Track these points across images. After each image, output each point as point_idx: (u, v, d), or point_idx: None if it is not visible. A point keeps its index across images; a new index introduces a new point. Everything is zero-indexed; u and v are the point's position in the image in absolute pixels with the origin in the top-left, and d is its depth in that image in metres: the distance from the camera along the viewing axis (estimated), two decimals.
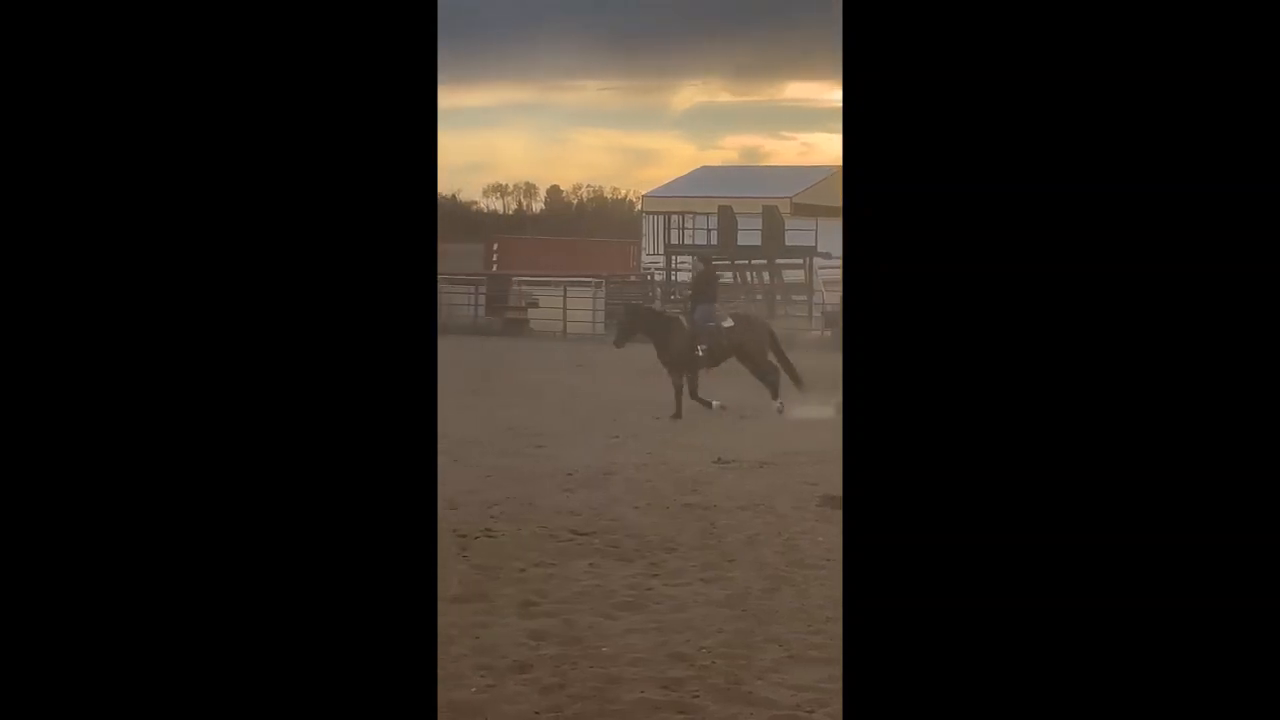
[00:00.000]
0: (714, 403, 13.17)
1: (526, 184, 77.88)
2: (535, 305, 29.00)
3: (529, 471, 9.46)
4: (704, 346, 13.33)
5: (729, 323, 13.82)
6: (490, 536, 7.15)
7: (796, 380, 13.40)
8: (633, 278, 33.87)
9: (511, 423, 12.28)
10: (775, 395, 13.30)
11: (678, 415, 12.87)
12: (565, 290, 28.28)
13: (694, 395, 13.20)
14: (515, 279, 31.23)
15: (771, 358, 13.69)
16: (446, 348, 19.97)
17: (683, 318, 13.93)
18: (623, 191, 77.13)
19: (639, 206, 44.41)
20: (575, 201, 78.73)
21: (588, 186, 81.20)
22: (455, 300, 30.59)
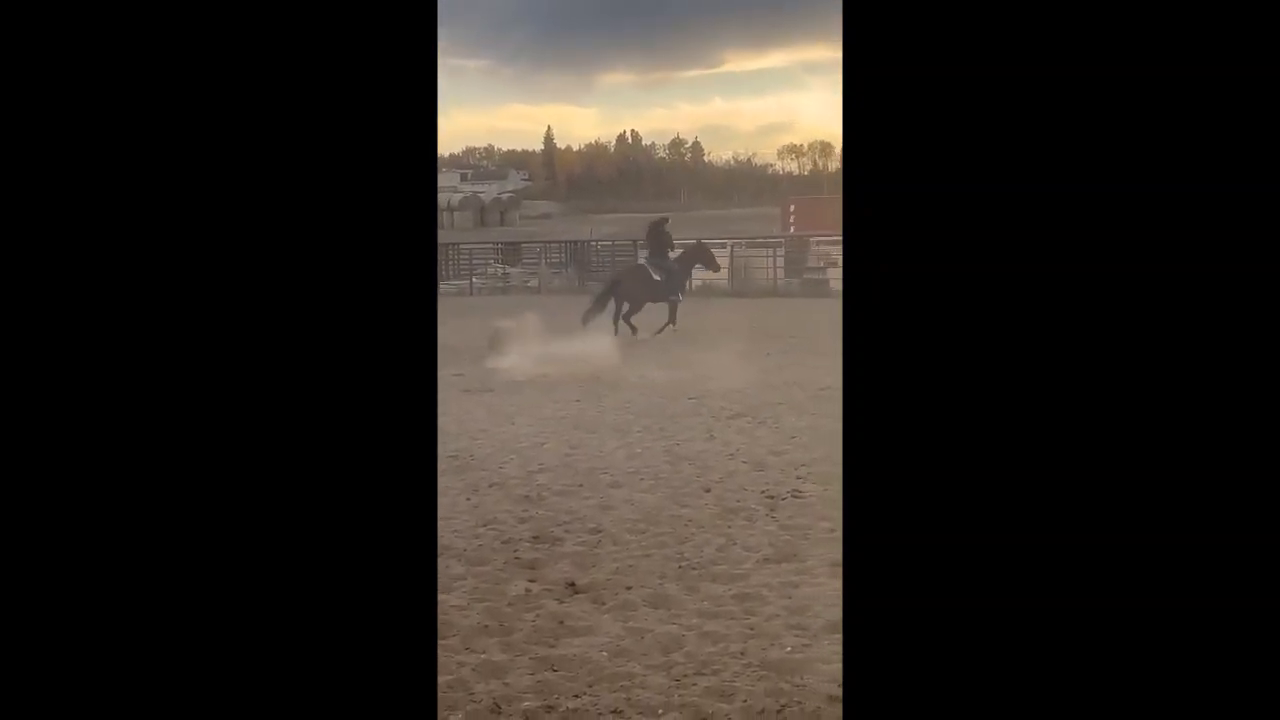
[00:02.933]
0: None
1: (822, 143, 77.25)
2: (835, 265, 28.76)
3: (834, 431, 9.41)
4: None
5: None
6: (798, 497, 7.16)
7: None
8: None
9: (816, 384, 12.24)
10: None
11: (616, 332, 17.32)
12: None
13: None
14: (813, 239, 31.07)
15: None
16: (746, 310, 20.17)
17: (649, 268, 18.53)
18: None
19: None
20: None
21: None
22: (754, 264, 30.72)
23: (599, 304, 18.12)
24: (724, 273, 26.88)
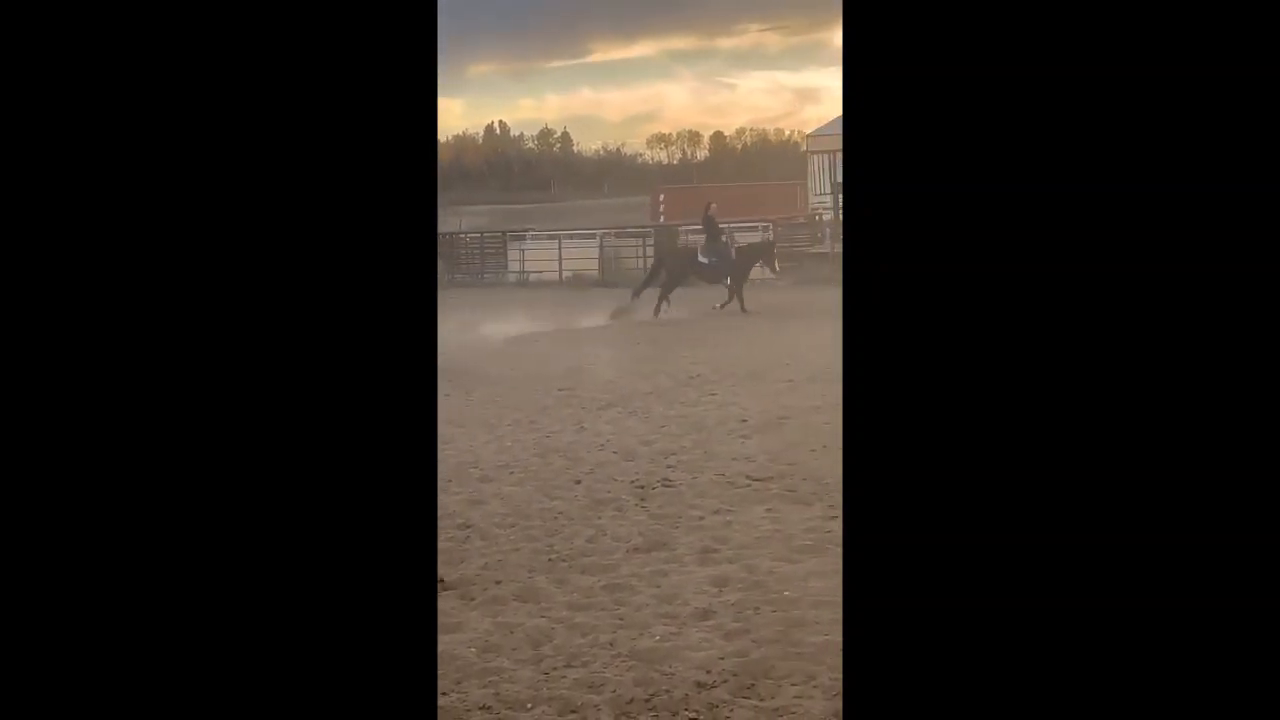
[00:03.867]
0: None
1: (690, 132, 77.71)
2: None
3: (704, 419, 9.48)
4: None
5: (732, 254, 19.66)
6: (668, 486, 7.19)
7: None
8: (800, 219, 33.54)
9: (685, 372, 12.31)
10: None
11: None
12: (733, 236, 28.18)
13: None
14: (683, 228, 31.21)
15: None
16: (617, 301, 20.06)
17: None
18: (787, 132, 76.37)
19: (804, 147, 43.90)
20: (739, 146, 78.28)
21: (751, 130, 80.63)
22: (624, 254, 30.77)
23: (648, 280, 19.73)
24: (595, 264, 26.88)
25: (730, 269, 19.48)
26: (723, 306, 19.04)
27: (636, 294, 19.38)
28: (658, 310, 18.86)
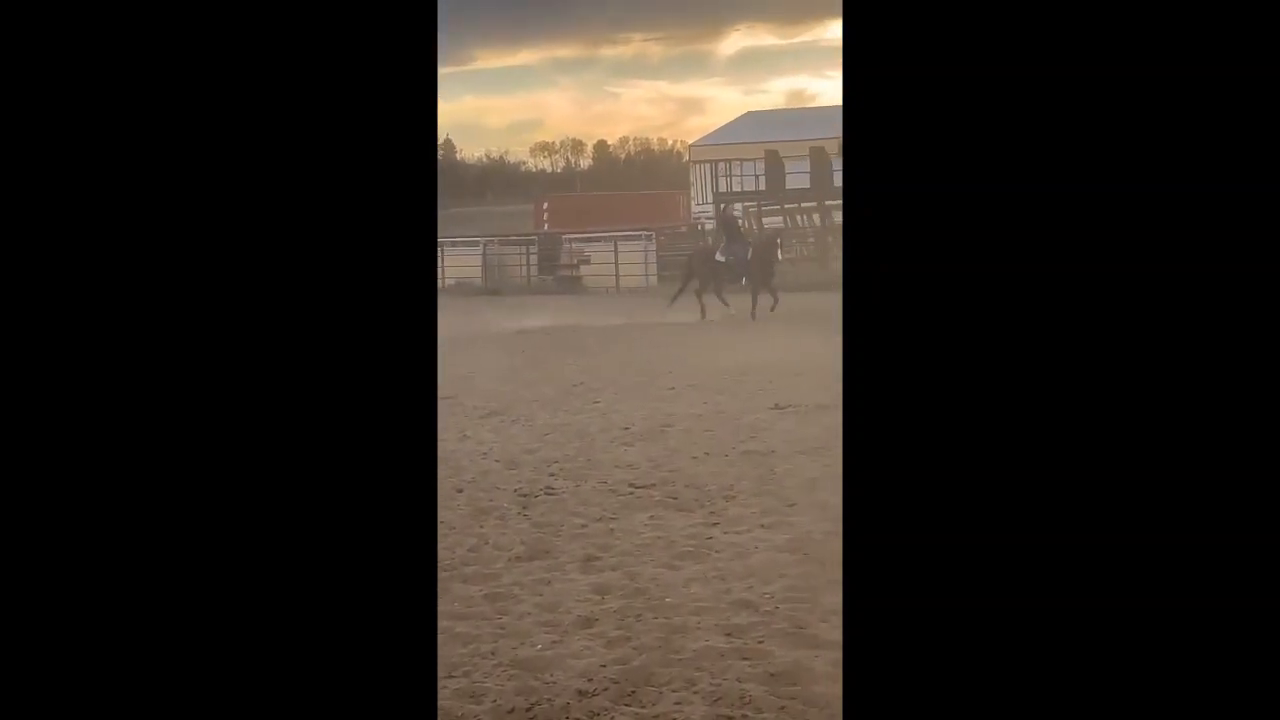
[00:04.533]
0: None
1: (574, 140, 77.71)
2: (587, 261, 29.00)
3: (587, 428, 9.49)
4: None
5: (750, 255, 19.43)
6: (551, 494, 7.19)
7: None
8: (683, 228, 33.74)
9: (569, 380, 12.32)
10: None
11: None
12: (616, 245, 28.26)
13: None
14: (566, 236, 31.22)
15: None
16: (501, 309, 20.09)
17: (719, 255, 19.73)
18: (670, 142, 76.75)
19: (686, 156, 44.18)
20: (623, 155, 78.51)
21: (634, 139, 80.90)
22: (508, 261, 30.67)
23: (683, 288, 19.82)
24: (479, 272, 26.72)
25: (746, 269, 19.34)
26: (753, 312, 18.78)
27: (673, 301, 19.43)
28: (703, 313, 18.94)
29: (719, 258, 19.71)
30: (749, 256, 19.43)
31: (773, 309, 18.62)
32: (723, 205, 21.32)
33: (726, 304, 19.06)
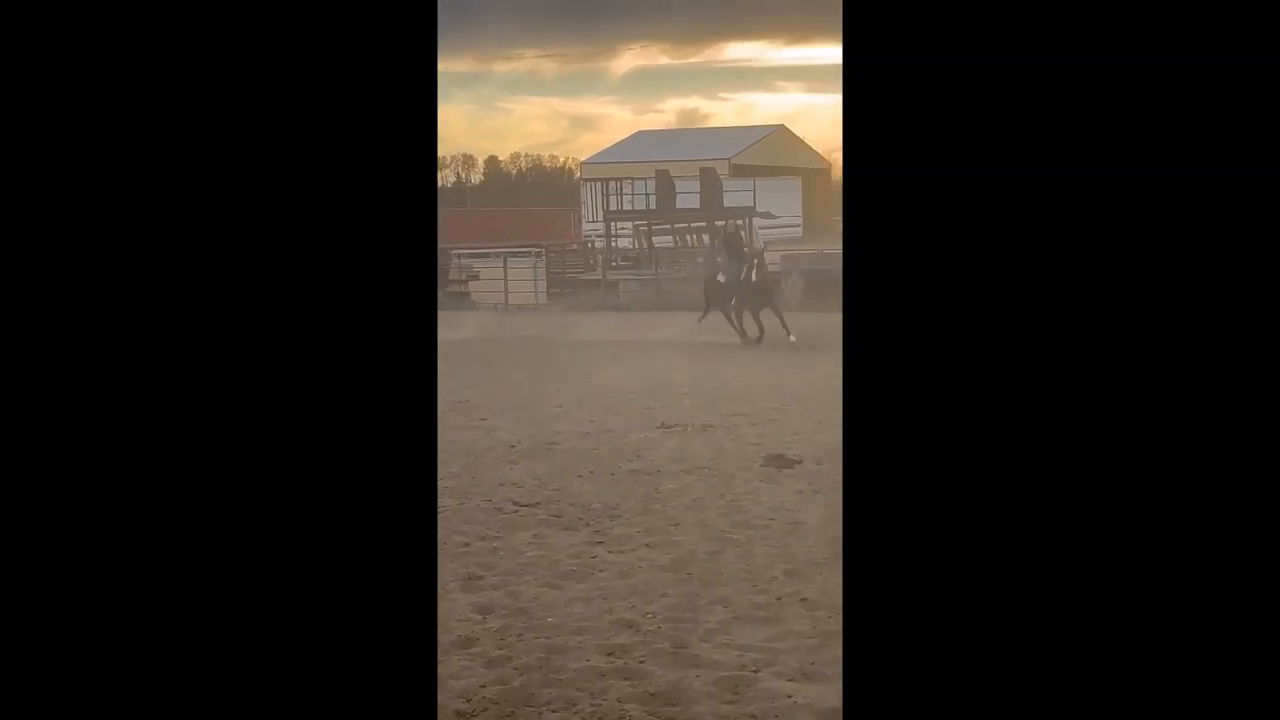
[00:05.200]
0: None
1: (465, 155, 77.43)
2: (476, 277, 28.83)
3: (472, 445, 9.43)
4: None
5: (754, 277, 17.27)
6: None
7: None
8: (574, 245, 33.77)
9: (454, 397, 12.22)
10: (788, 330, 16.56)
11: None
12: (506, 261, 28.15)
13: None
14: (455, 252, 31.03)
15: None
16: None
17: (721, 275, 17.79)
18: (561, 159, 76.86)
19: (578, 174, 44.26)
20: (514, 171, 78.40)
21: (526, 155, 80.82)
22: None
23: (707, 309, 18.37)
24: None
25: (738, 290, 17.55)
26: (759, 339, 17.10)
27: (701, 319, 18.09)
28: (743, 336, 17.31)
29: (720, 279, 18.01)
30: (741, 276, 17.49)
31: (759, 339, 17.04)
32: (723, 221, 19.59)
33: (742, 329, 17.42)
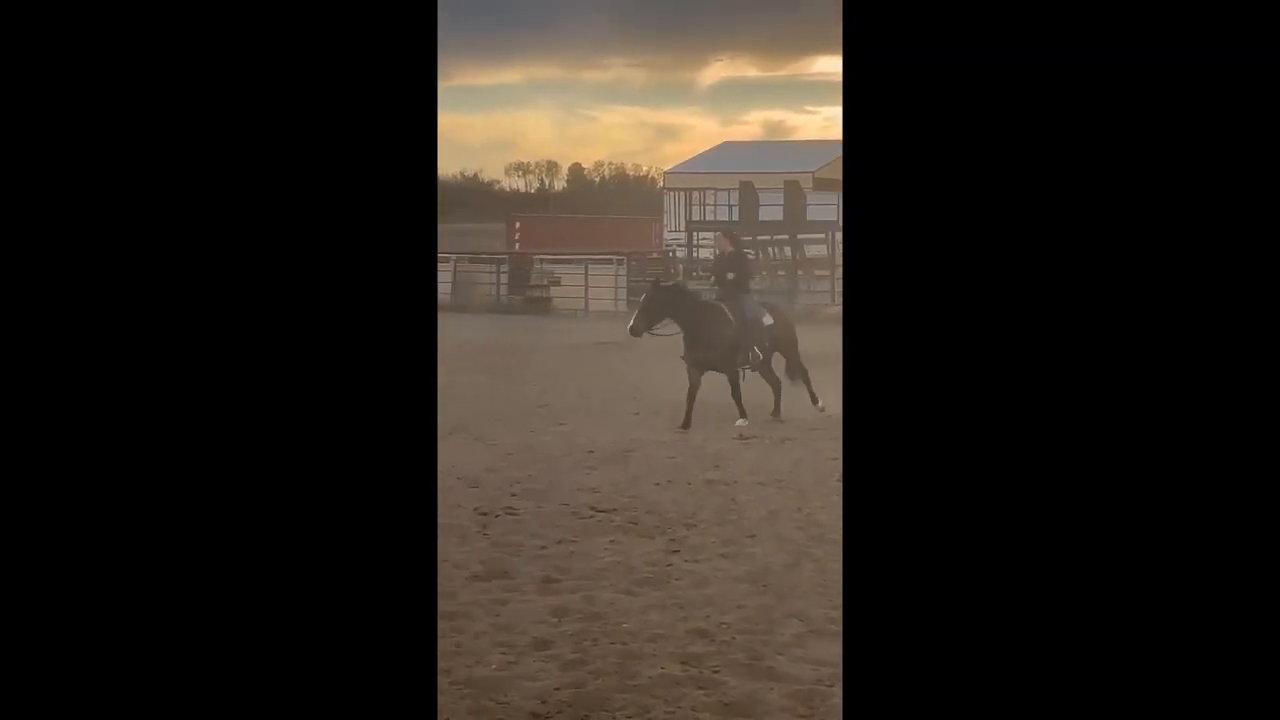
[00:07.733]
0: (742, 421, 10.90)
1: (549, 162, 77.84)
2: (557, 283, 28.97)
3: (551, 450, 9.47)
4: (756, 346, 11.27)
5: (769, 319, 11.63)
6: (512, 514, 7.17)
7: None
8: (654, 255, 33.79)
9: (533, 401, 12.29)
10: (814, 397, 11.40)
11: (686, 425, 10.62)
12: (587, 268, 28.26)
13: (737, 399, 11.11)
14: (537, 257, 31.20)
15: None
16: (469, 327, 19.93)
17: (724, 308, 11.39)
18: (645, 168, 76.95)
19: (661, 183, 44.30)
20: (598, 179, 78.67)
21: (610, 164, 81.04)
22: (479, 279, 30.62)
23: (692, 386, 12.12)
24: (448, 289, 26.68)
25: (752, 339, 11.61)
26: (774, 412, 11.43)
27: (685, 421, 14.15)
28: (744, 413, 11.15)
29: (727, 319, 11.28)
30: (757, 317, 11.67)
31: (774, 413, 11.31)
32: (720, 250, 12.92)
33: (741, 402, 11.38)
